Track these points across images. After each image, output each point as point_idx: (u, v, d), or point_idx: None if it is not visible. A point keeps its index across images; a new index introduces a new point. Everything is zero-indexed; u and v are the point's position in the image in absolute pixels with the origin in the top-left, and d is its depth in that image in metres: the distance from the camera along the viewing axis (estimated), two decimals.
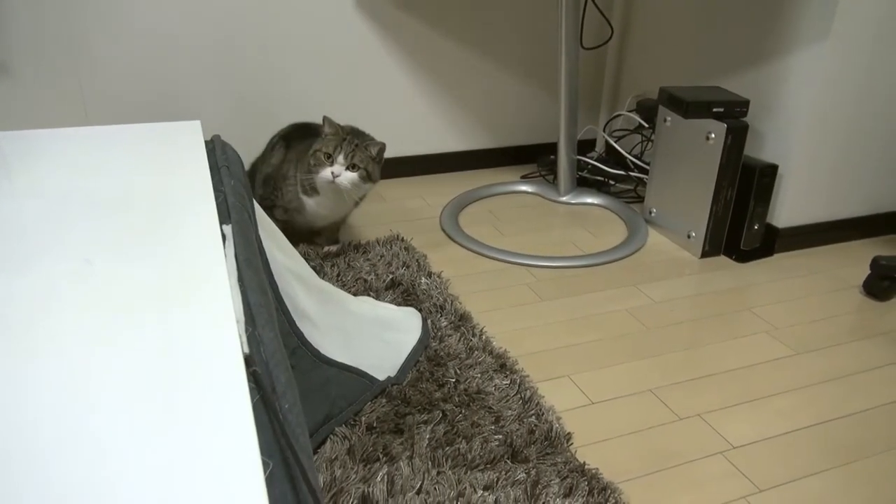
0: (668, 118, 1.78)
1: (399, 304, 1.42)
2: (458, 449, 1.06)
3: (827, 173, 1.76)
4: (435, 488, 0.98)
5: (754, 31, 1.74)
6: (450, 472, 1.01)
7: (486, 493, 0.98)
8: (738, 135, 1.64)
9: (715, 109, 1.66)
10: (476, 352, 1.29)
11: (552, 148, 2.22)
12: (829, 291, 1.63)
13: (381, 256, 1.62)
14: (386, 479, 0.99)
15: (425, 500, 0.96)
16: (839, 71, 1.62)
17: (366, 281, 1.52)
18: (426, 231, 1.84)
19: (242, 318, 0.55)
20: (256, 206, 0.93)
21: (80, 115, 1.80)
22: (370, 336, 1.23)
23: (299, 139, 1.66)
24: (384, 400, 1.16)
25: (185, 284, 0.56)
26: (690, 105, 1.67)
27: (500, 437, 1.09)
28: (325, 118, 1.56)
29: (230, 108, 1.93)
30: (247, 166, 1.74)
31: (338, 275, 1.54)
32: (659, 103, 1.80)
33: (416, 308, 1.41)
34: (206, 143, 0.92)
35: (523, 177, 2.21)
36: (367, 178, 1.55)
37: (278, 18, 1.88)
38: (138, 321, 0.52)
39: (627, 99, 2.24)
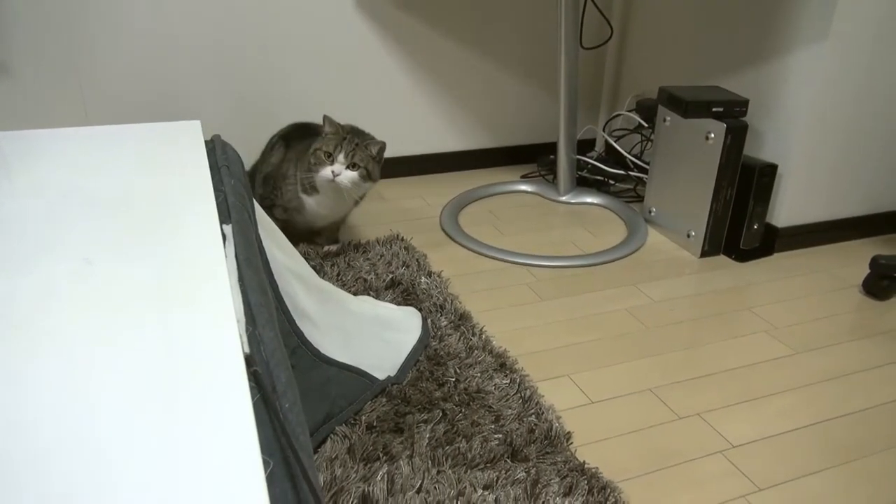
0: (668, 118, 1.78)
1: (399, 304, 1.42)
2: (458, 448, 1.06)
3: (826, 173, 1.76)
4: (435, 487, 0.99)
5: (754, 31, 1.74)
6: (450, 472, 1.01)
7: (486, 493, 0.98)
8: (737, 134, 1.64)
9: (714, 109, 1.66)
10: (476, 351, 1.29)
11: (552, 148, 2.22)
12: (828, 291, 1.63)
13: (381, 256, 1.63)
14: (386, 479, 0.99)
15: (425, 499, 0.96)
16: (838, 70, 1.62)
17: (366, 280, 1.52)
18: (426, 231, 1.84)
19: (243, 318, 0.55)
20: (256, 205, 0.93)
21: (80, 115, 1.81)
22: (370, 335, 1.23)
23: (299, 139, 1.66)
24: (384, 399, 1.16)
25: (185, 284, 0.56)
26: (690, 105, 1.67)
27: (500, 436, 1.10)
28: (325, 117, 1.56)
29: (230, 108, 1.93)
30: (247, 166, 1.74)
31: (338, 274, 1.54)
32: (658, 103, 1.80)
33: (416, 307, 1.41)
34: (206, 142, 0.92)
35: (523, 176, 2.21)
36: (368, 177, 1.55)
37: (278, 18, 1.88)
38: (138, 321, 0.52)
39: (627, 99, 2.25)
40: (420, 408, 1.15)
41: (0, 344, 0.48)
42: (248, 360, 0.49)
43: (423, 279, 1.53)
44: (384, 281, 1.52)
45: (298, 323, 1.01)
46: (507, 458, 1.06)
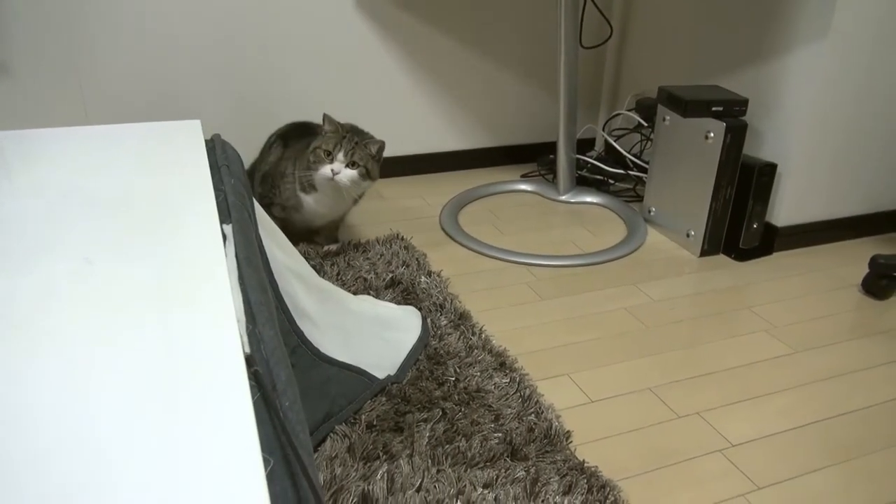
0: (668, 117, 1.78)
1: (399, 303, 1.42)
2: (458, 447, 1.06)
3: (826, 172, 1.76)
4: (435, 486, 0.99)
5: (753, 30, 1.74)
6: (449, 470, 1.02)
7: (485, 491, 0.99)
8: (737, 134, 1.64)
9: (714, 108, 1.66)
10: (476, 350, 1.30)
11: (552, 147, 2.22)
12: (827, 290, 1.63)
13: (381, 255, 1.63)
14: (386, 477, 0.99)
15: (425, 498, 0.97)
16: (838, 69, 1.62)
17: (365, 280, 1.52)
18: (426, 230, 1.84)
19: (243, 318, 0.55)
20: (256, 204, 0.93)
21: (80, 115, 1.81)
22: (370, 335, 1.23)
23: (297, 138, 1.66)
24: (384, 398, 1.16)
25: (185, 284, 0.57)
26: (689, 104, 1.68)
27: (500, 435, 1.10)
28: (325, 116, 1.56)
29: (230, 108, 1.94)
30: (246, 166, 1.74)
31: (338, 274, 1.55)
32: (658, 102, 1.80)
33: (416, 307, 1.41)
34: (206, 142, 0.92)
35: (523, 176, 2.21)
36: (367, 175, 1.55)
37: (278, 18, 1.88)
38: (138, 321, 0.52)
39: (627, 98, 2.25)
40: (420, 407, 1.15)
41: (0, 344, 0.49)
42: (249, 361, 0.49)
43: (423, 278, 1.53)
44: (384, 280, 1.52)
45: (298, 322, 1.01)
46: (507, 456, 1.06)
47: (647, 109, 2.06)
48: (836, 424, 1.20)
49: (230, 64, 1.89)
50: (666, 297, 1.56)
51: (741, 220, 1.72)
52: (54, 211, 0.69)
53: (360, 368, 1.14)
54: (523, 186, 2.13)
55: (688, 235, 1.78)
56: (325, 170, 1.52)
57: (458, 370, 1.24)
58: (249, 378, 0.46)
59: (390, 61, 2.04)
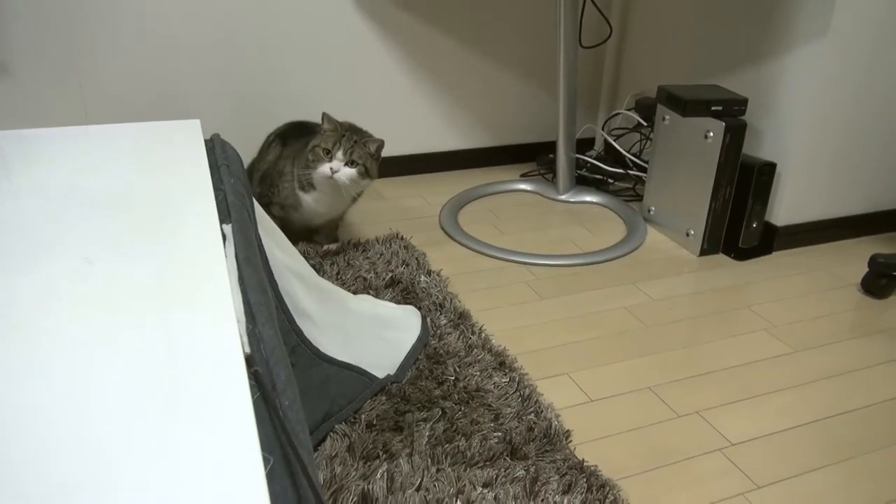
0: (667, 117, 1.78)
1: (398, 303, 1.43)
2: (458, 446, 1.06)
3: (825, 171, 1.76)
4: (434, 485, 0.99)
5: (752, 30, 1.74)
6: (449, 470, 1.02)
7: (485, 490, 0.99)
8: (736, 133, 1.64)
9: (713, 108, 1.66)
10: (475, 350, 1.30)
11: (551, 147, 2.22)
12: (827, 289, 1.63)
13: (381, 255, 1.63)
14: (386, 477, 1.00)
15: (425, 497, 0.97)
16: (837, 68, 1.62)
17: (365, 279, 1.52)
18: (425, 229, 1.84)
19: (243, 318, 0.56)
20: (256, 204, 0.94)
21: (80, 114, 1.81)
22: (370, 334, 1.23)
23: (295, 137, 1.66)
24: (384, 398, 1.16)
25: (185, 284, 0.57)
26: (689, 103, 1.68)
27: (500, 434, 1.10)
28: (324, 114, 1.57)
29: (230, 108, 1.94)
30: (246, 166, 1.74)
31: (337, 273, 1.55)
32: (657, 102, 1.80)
33: (416, 306, 1.41)
34: (206, 141, 0.92)
35: (522, 175, 2.21)
36: (366, 174, 1.56)
37: (278, 18, 1.89)
38: (138, 321, 0.52)
39: (626, 97, 2.25)
40: (419, 406, 1.15)
41: (0, 344, 0.49)
42: (249, 361, 0.50)
43: (423, 278, 1.53)
44: (384, 280, 1.52)
45: (298, 322, 1.01)
46: (507, 456, 1.06)
47: (646, 109, 2.06)
48: (836, 423, 1.20)
49: (230, 64, 1.89)
50: (665, 297, 1.56)
51: (741, 220, 1.72)
52: (54, 211, 0.69)
53: (359, 368, 1.14)
54: (523, 186, 2.13)
55: (687, 235, 1.78)
56: (324, 168, 1.53)
57: (457, 369, 1.24)
58: (249, 378, 0.46)
59: (390, 61, 2.04)
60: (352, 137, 1.54)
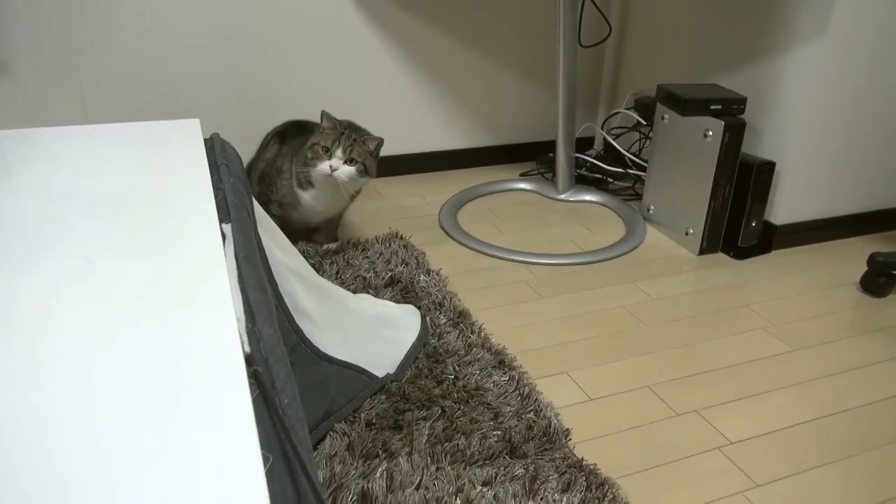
0: (666, 116, 1.78)
1: (398, 302, 1.43)
2: (457, 445, 1.07)
3: (824, 170, 1.76)
4: (434, 484, 0.99)
5: (752, 29, 1.74)
6: (449, 468, 1.02)
7: (484, 489, 0.99)
8: (735, 132, 1.64)
9: (713, 107, 1.66)
10: (475, 348, 1.30)
11: (551, 146, 2.22)
12: (826, 288, 1.63)
13: (380, 254, 1.63)
14: (385, 475, 1.00)
15: (424, 496, 0.97)
16: (836, 67, 1.62)
17: (365, 278, 1.52)
18: (425, 229, 1.84)
19: (243, 318, 0.56)
20: (255, 203, 0.94)
21: (80, 114, 1.81)
22: (369, 333, 1.24)
23: (294, 135, 1.66)
24: (383, 397, 1.16)
25: (185, 284, 0.57)
26: (688, 102, 1.68)
27: (499, 433, 1.10)
28: (323, 112, 1.57)
29: (230, 108, 1.94)
30: (245, 165, 1.74)
31: (337, 272, 1.55)
32: (657, 101, 1.80)
33: (415, 305, 1.41)
34: (205, 141, 0.92)
35: (522, 174, 2.21)
36: (365, 172, 1.56)
37: (278, 18, 1.89)
38: (138, 321, 0.52)
39: (626, 97, 2.25)
40: (419, 405, 1.15)
41: (0, 344, 0.49)
42: (249, 361, 0.50)
43: (422, 277, 1.54)
44: (383, 279, 1.52)
45: (298, 321, 1.01)
46: (506, 454, 1.06)
47: (645, 108, 2.06)
48: (835, 422, 1.20)
49: (230, 64, 1.89)
50: (665, 296, 1.57)
51: (740, 219, 1.72)
52: (54, 210, 0.69)
53: (359, 367, 1.15)
54: (522, 185, 2.13)
55: (686, 234, 1.78)
56: (324, 166, 1.53)
57: (457, 368, 1.24)
58: (249, 377, 0.47)
59: (390, 61, 2.04)
60: (351, 135, 1.54)
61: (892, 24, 1.63)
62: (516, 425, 1.12)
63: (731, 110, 1.66)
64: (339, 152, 1.52)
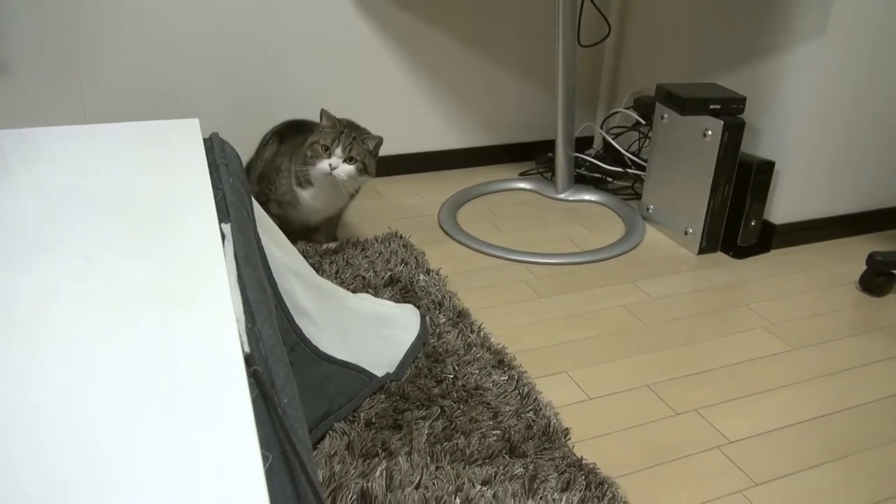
0: (666, 115, 1.78)
1: (397, 301, 1.43)
2: (457, 444, 1.07)
3: (823, 169, 1.76)
4: (433, 483, 0.99)
5: (751, 28, 1.74)
6: (448, 467, 1.02)
7: (484, 488, 0.99)
8: (734, 131, 1.64)
9: (712, 106, 1.66)
10: (474, 348, 1.30)
11: (550, 145, 2.22)
12: (825, 287, 1.63)
13: (380, 254, 1.63)
14: (385, 475, 1.00)
15: (424, 495, 0.97)
16: (836, 66, 1.62)
17: (364, 278, 1.52)
18: (424, 228, 1.85)
19: (242, 318, 0.56)
20: (255, 203, 0.94)
21: (79, 114, 1.81)
22: (369, 333, 1.24)
23: (293, 135, 1.66)
24: (383, 396, 1.17)
25: (184, 284, 0.57)
26: (687, 102, 1.68)
27: (499, 432, 1.10)
28: (322, 111, 1.57)
29: (230, 108, 1.94)
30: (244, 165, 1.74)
31: (336, 272, 1.55)
32: (656, 100, 1.80)
33: (415, 305, 1.41)
34: (205, 140, 0.92)
35: (521, 174, 2.21)
36: (364, 171, 1.56)
37: (278, 18, 1.89)
38: (138, 321, 0.52)
39: (625, 96, 2.25)
40: (418, 404, 1.15)
41: (0, 344, 0.49)
42: (248, 360, 0.50)
43: (422, 276, 1.54)
44: (383, 278, 1.52)
45: (297, 320, 1.01)
46: (506, 453, 1.06)
47: (645, 107, 2.06)
48: (834, 421, 1.20)
49: (229, 64, 1.89)
50: (664, 295, 1.57)
51: (739, 218, 1.73)
52: (54, 210, 0.69)
53: (358, 366, 1.15)
54: (522, 185, 2.13)
55: (686, 233, 1.78)
56: (323, 165, 1.53)
57: (456, 368, 1.25)
58: (248, 377, 0.47)
59: (390, 61, 2.04)
60: (350, 134, 1.54)
61: (891, 24, 1.63)
62: (516, 424, 1.12)
63: (730, 110, 1.66)
64: (338, 151, 1.52)
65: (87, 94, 1.79)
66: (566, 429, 1.13)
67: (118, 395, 0.44)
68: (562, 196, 2.06)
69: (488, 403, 1.16)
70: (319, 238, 1.73)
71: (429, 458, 1.04)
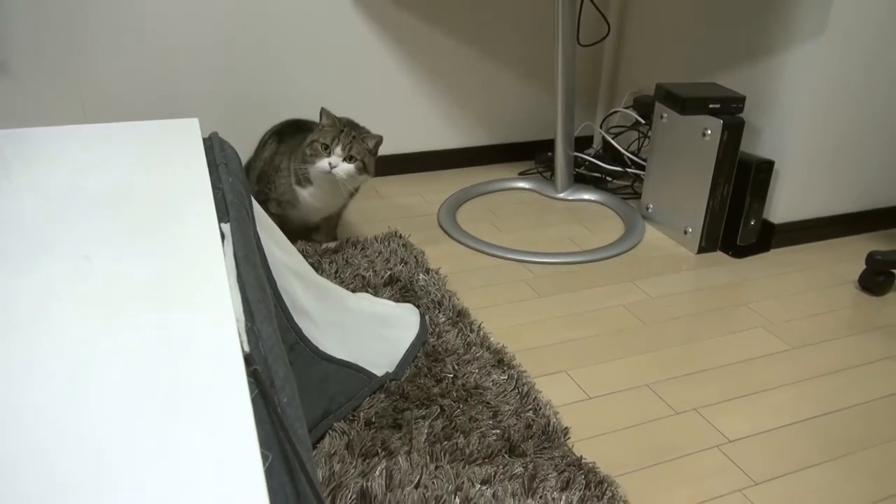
0: (665, 114, 1.78)
1: (397, 301, 1.43)
2: (456, 443, 1.07)
3: (823, 169, 1.76)
4: (433, 482, 0.99)
5: (750, 27, 1.74)
6: (448, 467, 1.02)
7: (483, 487, 0.99)
8: (734, 131, 1.64)
9: (711, 105, 1.66)
10: (474, 347, 1.30)
11: (549, 145, 2.22)
12: (824, 286, 1.63)
13: (379, 253, 1.63)
14: (384, 474, 1.00)
15: (423, 495, 0.97)
16: (835, 65, 1.62)
17: (364, 277, 1.52)
18: (424, 228, 1.85)
19: (242, 317, 0.56)
20: (254, 202, 0.94)
21: (79, 114, 1.81)
22: (368, 332, 1.24)
23: (292, 134, 1.67)
24: (382, 395, 1.17)
25: (184, 284, 0.57)
26: (687, 101, 1.68)
27: (498, 431, 1.10)
28: (322, 109, 1.57)
29: (229, 108, 1.94)
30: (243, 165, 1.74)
31: (336, 271, 1.55)
32: (655, 100, 1.80)
33: (414, 304, 1.41)
34: (204, 140, 0.92)
35: (521, 173, 2.21)
36: (363, 169, 1.56)
37: (278, 18, 1.89)
38: (138, 321, 0.52)
39: (624, 95, 2.25)
40: (418, 404, 1.15)
41: (0, 344, 0.49)
42: (248, 360, 0.50)
43: (421, 276, 1.54)
44: (382, 278, 1.52)
45: (297, 320, 1.01)
46: (505, 453, 1.06)
47: (644, 107, 2.07)
48: (833, 420, 1.20)
49: (229, 63, 1.89)
50: (663, 294, 1.57)
51: (738, 217, 1.73)
52: (53, 210, 0.69)
53: (358, 366, 1.15)
54: (521, 184, 2.13)
55: (685, 232, 1.78)
56: (323, 163, 1.53)
57: (456, 367, 1.25)
58: (248, 376, 0.47)
59: (389, 60, 2.04)
60: (350, 133, 1.54)
61: (891, 23, 1.63)
62: (515, 424, 1.12)
63: (729, 109, 1.66)
64: (338, 149, 1.52)
65: (87, 94, 1.79)
66: (566, 428, 1.13)
67: (118, 394, 0.44)
68: (561, 195, 2.06)
69: (488, 403, 1.17)
70: (319, 237, 1.73)
71: (428, 458, 1.04)
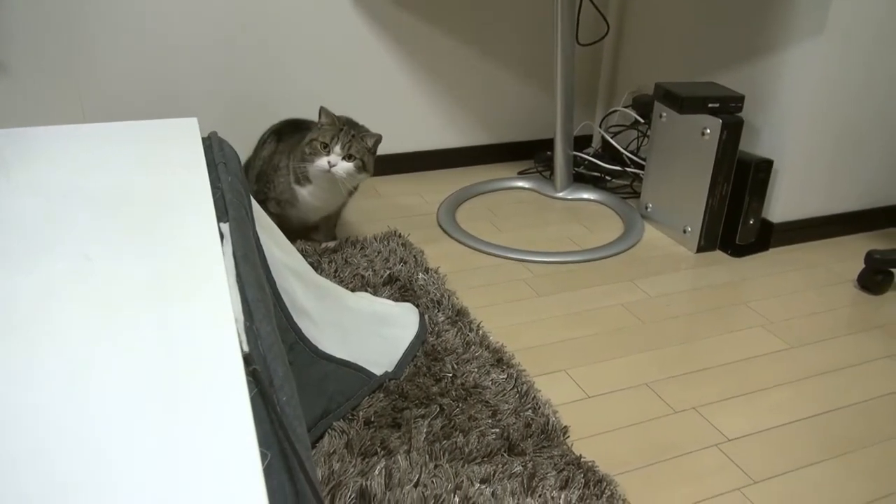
0: (664, 114, 1.79)
1: (396, 300, 1.43)
2: (456, 442, 1.07)
3: (822, 168, 1.76)
4: (432, 481, 0.99)
5: (749, 27, 1.75)
6: (447, 466, 1.02)
7: (483, 486, 0.99)
8: (733, 130, 1.64)
9: (710, 105, 1.66)
10: (473, 346, 1.30)
11: (549, 144, 2.22)
12: (823, 285, 1.64)
13: (379, 252, 1.63)
14: (384, 473, 1.00)
15: (423, 494, 0.97)
16: (834, 65, 1.63)
17: (363, 277, 1.52)
18: (423, 227, 1.85)
19: (241, 317, 0.56)
20: (253, 202, 0.94)
21: (78, 114, 1.81)
22: (368, 332, 1.24)
23: (290, 133, 1.67)
24: (382, 395, 1.17)
25: (184, 283, 0.57)
26: (686, 100, 1.68)
27: (497, 430, 1.10)
28: (321, 108, 1.57)
29: (229, 108, 1.94)
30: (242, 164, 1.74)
31: (335, 271, 1.55)
32: (654, 99, 1.80)
33: (414, 303, 1.41)
34: (203, 139, 0.92)
35: (520, 173, 2.21)
36: (363, 168, 1.56)
37: (277, 18, 1.89)
38: (138, 320, 0.52)
39: (623, 95, 2.25)
40: (417, 403, 1.15)
41: (0, 344, 0.49)
42: (247, 359, 0.50)
43: (421, 275, 1.54)
44: (381, 277, 1.52)
45: (296, 319, 1.01)
46: (504, 452, 1.07)
47: (643, 106, 2.07)
48: (832, 419, 1.21)
49: (228, 63, 1.89)
50: (663, 293, 1.57)
51: (737, 217, 1.73)
52: (53, 210, 0.69)
53: (357, 365, 1.15)
54: (520, 183, 2.13)
55: (684, 231, 1.78)
56: (322, 162, 1.53)
57: (455, 366, 1.25)
58: (247, 375, 0.47)
59: (388, 59, 2.04)
60: (349, 132, 1.54)
61: (890, 23, 1.63)
62: (514, 423, 1.12)
63: (728, 108, 1.66)
64: (337, 148, 1.52)
65: (86, 94, 1.79)
66: (565, 427, 1.13)
67: (118, 394, 0.44)
68: (560, 195, 2.07)
69: (487, 402, 1.17)
70: (318, 237, 1.73)
71: (428, 457, 1.04)
